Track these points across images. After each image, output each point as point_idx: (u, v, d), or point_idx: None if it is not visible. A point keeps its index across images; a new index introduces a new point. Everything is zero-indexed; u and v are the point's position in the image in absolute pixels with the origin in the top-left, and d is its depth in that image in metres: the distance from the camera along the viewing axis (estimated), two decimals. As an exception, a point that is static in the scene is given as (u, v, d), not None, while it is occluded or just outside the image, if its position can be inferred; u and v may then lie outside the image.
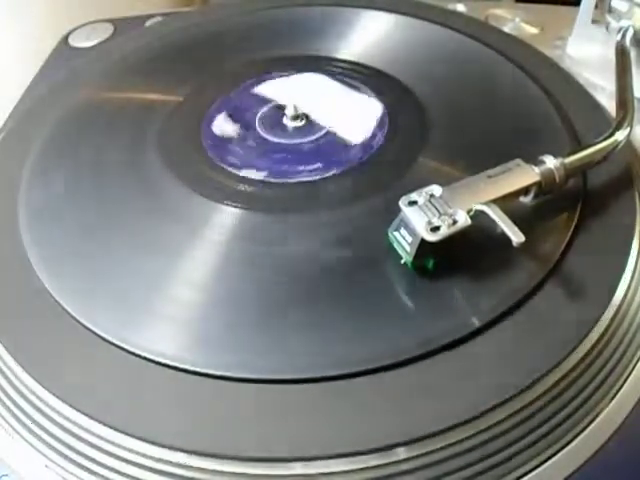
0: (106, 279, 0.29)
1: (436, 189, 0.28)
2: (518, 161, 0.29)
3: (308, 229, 0.30)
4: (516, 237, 0.26)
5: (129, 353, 0.27)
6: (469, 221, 0.27)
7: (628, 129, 0.31)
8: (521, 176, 0.29)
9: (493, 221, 0.27)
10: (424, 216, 0.27)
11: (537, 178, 0.29)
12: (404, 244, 0.27)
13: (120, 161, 0.34)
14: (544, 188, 0.29)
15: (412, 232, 0.27)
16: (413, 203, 0.27)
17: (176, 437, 0.24)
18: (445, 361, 0.26)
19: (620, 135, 0.31)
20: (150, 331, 0.27)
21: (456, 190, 0.28)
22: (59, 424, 0.26)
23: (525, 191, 0.29)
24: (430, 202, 0.27)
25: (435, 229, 0.27)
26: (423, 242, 0.27)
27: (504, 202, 0.28)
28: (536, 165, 0.29)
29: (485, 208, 0.27)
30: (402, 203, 0.27)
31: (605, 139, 0.30)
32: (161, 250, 0.30)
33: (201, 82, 0.39)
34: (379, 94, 0.37)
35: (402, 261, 0.28)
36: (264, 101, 0.37)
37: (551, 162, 0.29)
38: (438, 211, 0.27)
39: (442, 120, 0.35)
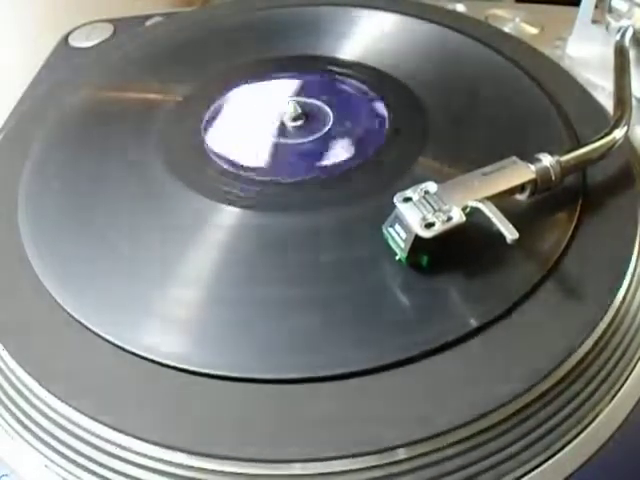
0: (107, 279, 0.29)
1: (431, 186, 0.28)
2: (514, 158, 0.29)
3: (308, 229, 0.30)
4: (510, 234, 0.26)
5: (130, 353, 0.27)
6: (463, 218, 0.27)
7: (625, 127, 0.31)
8: (516, 173, 0.29)
9: (489, 219, 0.27)
10: (418, 212, 0.27)
11: (532, 176, 0.29)
12: (398, 240, 0.27)
13: (120, 161, 0.35)
14: (540, 186, 0.29)
15: (406, 228, 0.27)
16: (408, 199, 0.27)
17: (176, 437, 0.24)
18: (444, 361, 0.26)
19: (617, 133, 0.30)
20: (151, 331, 0.27)
21: (451, 187, 0.28)
22: (59, 424, 0.26)
23: (521, 189, 0.29)
24: (425, 199, 0.27)
25: (429, 225, 0.26)
26: (417, 238, 0.26)
27: (499, 199, 0.28)
28: (532, 163, 0.29)
29: (479, 205, 0.27)
30: (397, 199, 0.27)
31: (602, 137, 0.30)
32: (162, 250, 0.30)
33: (201, 82, 0.39)
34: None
35: (396, 257, 0.28)
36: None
37: (547, 160, 0.29)
38: (433, 208, 0.27)
39: (441, 119, 0.35)
